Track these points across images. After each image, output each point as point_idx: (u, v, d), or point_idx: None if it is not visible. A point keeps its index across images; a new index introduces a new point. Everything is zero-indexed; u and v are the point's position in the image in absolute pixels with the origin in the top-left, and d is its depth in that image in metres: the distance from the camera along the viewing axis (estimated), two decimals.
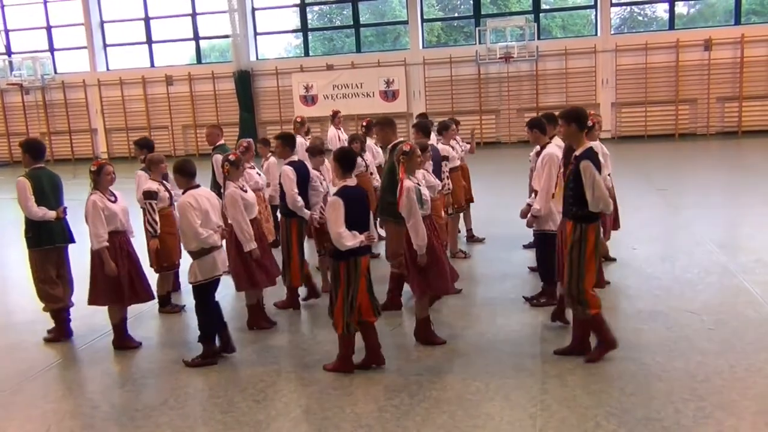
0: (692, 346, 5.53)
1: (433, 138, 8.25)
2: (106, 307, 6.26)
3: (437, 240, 5.82)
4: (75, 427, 4.89)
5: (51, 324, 6.65)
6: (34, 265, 6.50)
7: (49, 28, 25.01)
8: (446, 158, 7.92)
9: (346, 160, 5.35)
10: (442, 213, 7.54)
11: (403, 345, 5.94)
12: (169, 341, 6.48)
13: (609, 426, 4.41)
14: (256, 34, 23.66)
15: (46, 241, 6.44)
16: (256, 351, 6.03)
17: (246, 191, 6.30)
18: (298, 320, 6.83)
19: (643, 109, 20.67)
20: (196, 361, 5.75)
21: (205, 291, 5.72)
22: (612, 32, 21.15)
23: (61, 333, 6.57)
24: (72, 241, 6.66)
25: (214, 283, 5.76)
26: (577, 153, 5.26)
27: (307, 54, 23.65)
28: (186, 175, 5.77)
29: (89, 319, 6.87)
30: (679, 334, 5.81)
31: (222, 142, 8.92)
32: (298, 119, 10.71)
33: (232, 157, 6.22)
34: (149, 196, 6.79)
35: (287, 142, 7.06)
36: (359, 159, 8.12)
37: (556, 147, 6.52)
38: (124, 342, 6.24)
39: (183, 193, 5.78)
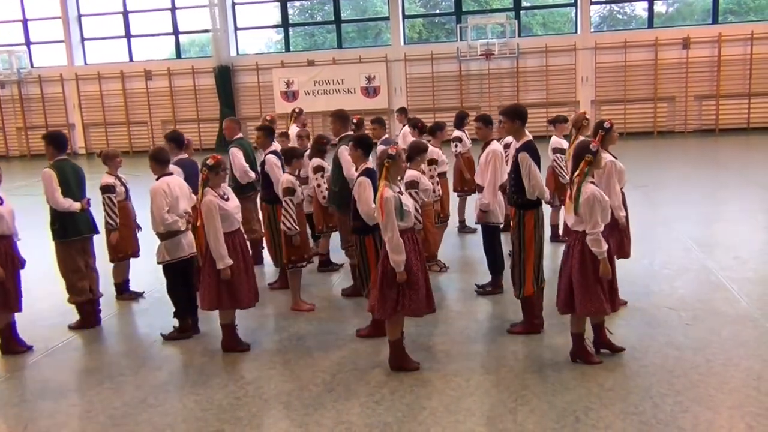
0: (670, 342, 5.60)
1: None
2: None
3: (416, 256, 5.22)
4: (52, 426, 4.83)
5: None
6: (62, 256, 6.51)
7: (25, 21, 24.60)
8: (434, 162, 7.46)
9: (365, 145, 5.85)
10: (434, 220, 7.43)
11: (383, 341, 5.93)
12: (149, 339, 6.43)
13: (588, 420, 4.45)
14: (236, 29, 23.47)
15: (73, 233, 6.46)
16: None
17: (227, 199, 5.73)
18: (278, 316, 6.80)
19: (622, 107, 20.83)
20: (173, 335, 6.17)
21: (173, 270, 6.14)
22: (592, 30, 21.29)
23: (86, 323, 6.62)
24: (96, 231, 6.75)
25: (183, 262, 6.16)
26: (517, 146, 5.80)
27: (288, 49, 23.52)
28: (160, 162, 6.17)
29: (66, 317, 6.81)
30: (657, 329, 5.88)
31: (240, 135, 8.56)
32: (268, 117, 10.29)
33: (210, 161, 5.62)
34: (107, 190, 6.98)
35: (268, 133, 7.72)
36: None
37: (497, 144, 7.10)
38: (13, 347, 6.13)
39: (157, 179, 6.08)
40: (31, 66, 24.42)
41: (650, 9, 21.18)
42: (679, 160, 16.17)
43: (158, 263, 6.19)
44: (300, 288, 6.92)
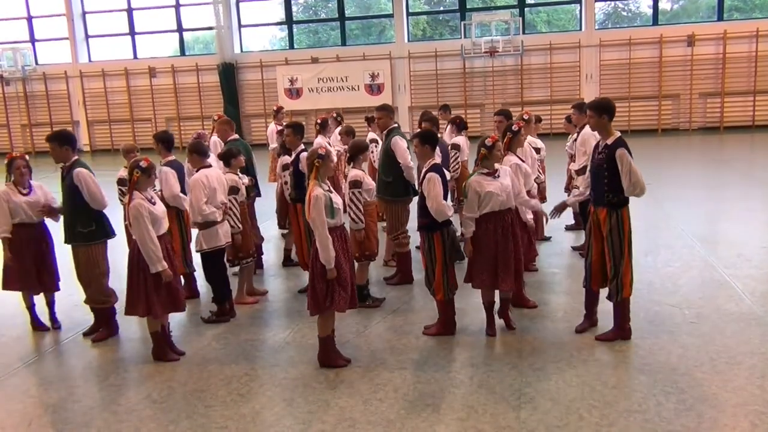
0: (674, 340, 5.59)
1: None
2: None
3: (345, 254, 5.30)
4: (57, 421, 4.85)
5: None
6: (92, 260, 6.07)
7: (29, 19, 24.66)
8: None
9: (431, 139, 5.90)
10: (376, 218, 7.09)
11: (387, 338, 5.95)
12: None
13: (591, 418, 4.45)
14: (240, 26, 23.48)
15: (108, 233, 6.15)
16: (240, 345, 6.01)
17: (154, 203, 5.59)
18: (281, 315, 6.81)
19: (626, 105, 20.77)
20: (212, 318, 6.52)
21: (212, 258, 6.50)
22: (596, 27, 21.24)
23: (110, 332, 6.29)
24: (114, 234, 6.45)
25: (220, 251, 6.53)
26: (608, 142, 5.44)
27: (291, 47, 23.52)
28: (200, 154, 6.50)
29: (71, 312, 6.84)
30: (660, 327, 5.87)
31: (235, 136, 8.21)
32: (216, 116, 9.60)
33: (143, 164, 5.47)
34: (123, 183, 7.15)
35: (297, 130, 7.18)
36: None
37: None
38: (37, 325, 6.63)
39: (196, 172, 6.41)
40: (36, 63, 24.49)
41: (655, 6, 21.12)
42: (683, 158, 16.13)
43: (196, 251, 6.56)
44: (251, 283, 7.20)
